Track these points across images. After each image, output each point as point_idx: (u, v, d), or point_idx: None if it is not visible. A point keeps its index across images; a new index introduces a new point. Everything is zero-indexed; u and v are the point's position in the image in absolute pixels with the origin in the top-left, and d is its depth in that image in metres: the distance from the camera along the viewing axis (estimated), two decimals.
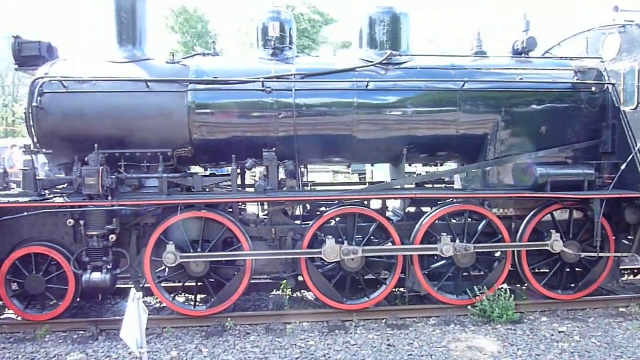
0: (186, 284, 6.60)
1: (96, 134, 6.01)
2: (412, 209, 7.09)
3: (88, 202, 5.80)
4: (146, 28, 6.66)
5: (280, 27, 6.63)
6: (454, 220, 6.57)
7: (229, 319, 6.10)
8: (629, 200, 6.20)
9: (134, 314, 4.77)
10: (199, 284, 6.49)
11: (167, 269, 6.32)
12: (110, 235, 5.90)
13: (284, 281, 6.81)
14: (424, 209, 6.94)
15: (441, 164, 7.33)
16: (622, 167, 6.15)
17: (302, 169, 7.10)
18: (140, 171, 6.19)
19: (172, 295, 6.39)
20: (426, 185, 7.35)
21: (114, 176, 5.86)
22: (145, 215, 6.14)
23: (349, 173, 21.29)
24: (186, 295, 6.94)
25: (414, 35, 6.91)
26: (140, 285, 6.23)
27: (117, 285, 6.52)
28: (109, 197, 5.85)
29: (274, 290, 7.40)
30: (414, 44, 6.90)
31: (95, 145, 5.85)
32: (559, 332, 5.78)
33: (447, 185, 7.57)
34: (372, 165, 8.07)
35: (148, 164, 6.21)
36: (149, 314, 6.18)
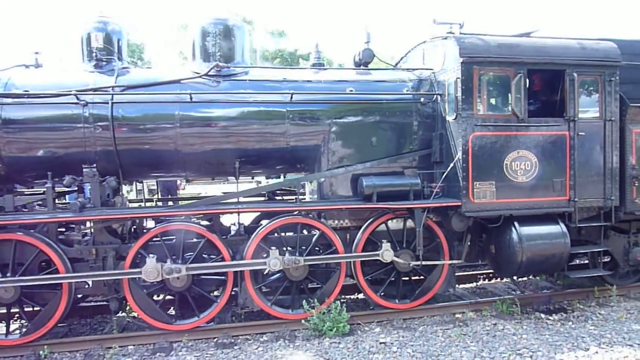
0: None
1: None
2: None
3: None
4: None
5: (107, 38, 6.39)
6: (290, 234, 6.49)
7: (45, 347, 5.73)
8: (455, 209, 6.31)
9: None
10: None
11: None
12: None
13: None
14: None
15: (283, 176, 7.24)
16: (444, 176, 6.26)
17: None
18: None
19: None
20: (277, 198, 7.30)
21: None
22: None
23: None
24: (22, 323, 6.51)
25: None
26: None
27: None
28: None
29: (121, 312, 7.07)
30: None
31: None
32: (381, 343, 5.76)
33: (298, 198, 7.49)
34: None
35: None
36: None
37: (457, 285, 8.11)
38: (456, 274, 8.37)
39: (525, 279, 8.31)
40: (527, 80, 7.49)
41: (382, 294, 6.62)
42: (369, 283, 6.69)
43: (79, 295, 6.94)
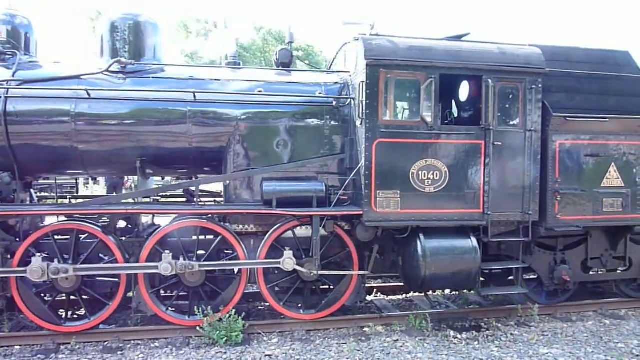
0: None
1: None
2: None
3: None
4: None
5: (14, 32, 6.28)
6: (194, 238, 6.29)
7: None
8: (359, 218, 6.03)
9: None
10: None
11: None
12: None
13: None
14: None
15: (195, 177, 7.03)
16: (346, 183, 6.01)
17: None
18: None
19: None
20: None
21: None
22: None
23: None
24: None
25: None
26: None
27: None
28: None
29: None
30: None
31: None
32: (266, 355, 5.52)
33: (196, 201, 7.26)
34: None
35: None
36: None
37: (385, 297, 7.90)
38: (388, 284, 8.20)
39: (457, 293, 7.98)
40: (461, 87, 7.24)
41: (297, 304, 6.41)
42: (276, 291, 6.47)
43: None
